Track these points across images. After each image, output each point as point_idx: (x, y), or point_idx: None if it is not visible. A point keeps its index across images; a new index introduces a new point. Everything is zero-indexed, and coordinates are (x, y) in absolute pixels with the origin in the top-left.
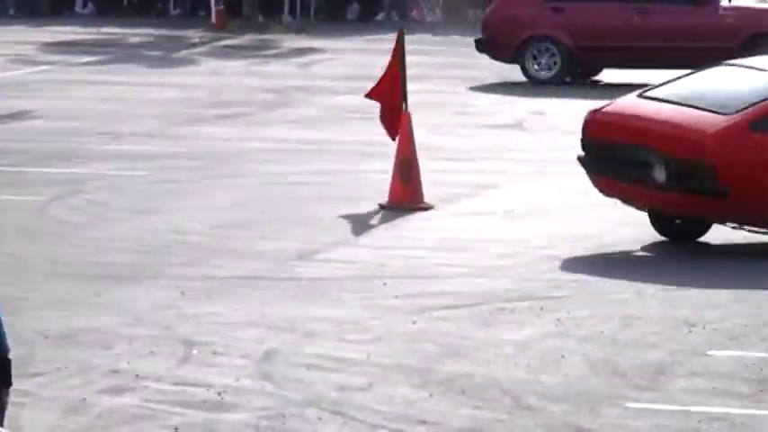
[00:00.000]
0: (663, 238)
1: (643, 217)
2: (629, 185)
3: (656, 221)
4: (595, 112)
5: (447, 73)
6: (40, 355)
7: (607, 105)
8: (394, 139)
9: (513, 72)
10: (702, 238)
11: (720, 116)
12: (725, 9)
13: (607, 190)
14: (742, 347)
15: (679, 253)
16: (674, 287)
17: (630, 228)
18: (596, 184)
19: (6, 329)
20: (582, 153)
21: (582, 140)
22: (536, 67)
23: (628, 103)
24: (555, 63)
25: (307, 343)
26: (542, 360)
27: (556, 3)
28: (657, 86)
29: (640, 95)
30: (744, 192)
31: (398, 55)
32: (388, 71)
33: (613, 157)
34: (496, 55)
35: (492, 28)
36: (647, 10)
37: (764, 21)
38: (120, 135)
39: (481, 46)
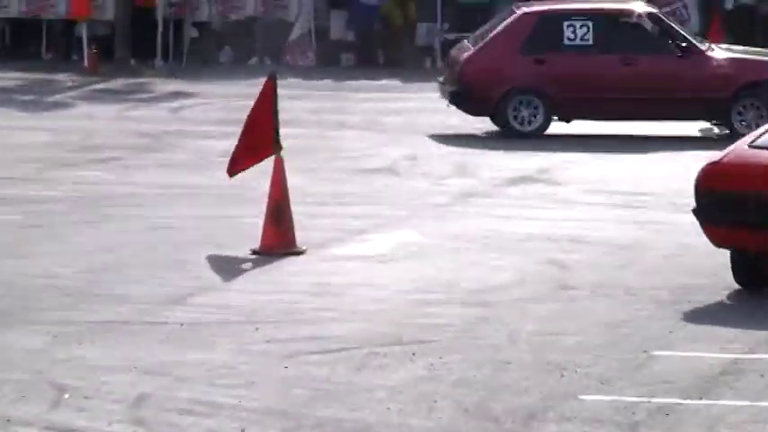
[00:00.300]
0: (539, 283)
1: (518, 261)
2: (753, 233)
3: (741, 269)
4: (714, 164)
5: (320, 117)
6: None
7: (724, 157)
8: (230, 177)
9: (383, 117)
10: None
11: None
12: (715, 58)
13: (724, 240)
14: (613, 392)
15: (554, 298)
16: (546, 332)
17: (504, 272)
18: (712, 234)
19: None
20: (696, 205)
21: (698, 192)
22: (517, 120)
23: (744, 154)
24: (535, 116)
25: (179, 387)
26: (414, 405)
27: (537, 55)
28: (762, 135)
29: (751, 145)
30: None
31: (270, 98)
32: (258, 114)
33: (736, 206)
34: (474, 109)
35: (468, 81)
36: (634, 60)
37: (758, 68)
38: None
39: (457, 99)
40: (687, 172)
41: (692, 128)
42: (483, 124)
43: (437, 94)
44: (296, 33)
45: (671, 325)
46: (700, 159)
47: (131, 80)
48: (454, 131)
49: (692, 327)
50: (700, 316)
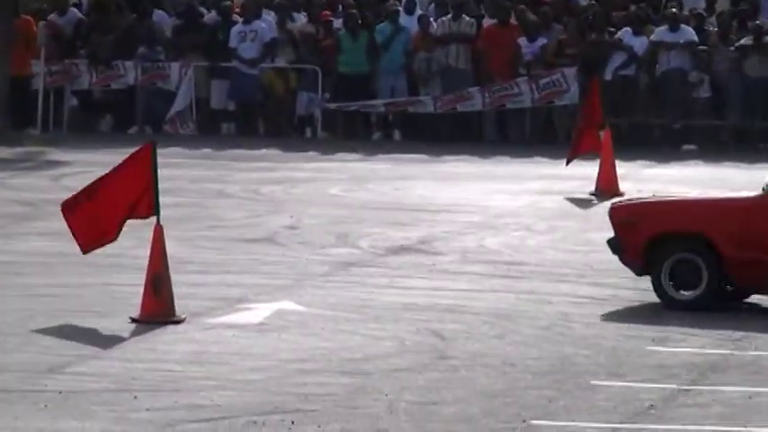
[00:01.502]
0: (418, 352)
1: (397, 330)
2: None
3: None
4: None
5: (200, 186)
6: None
7: None
8: (84, 253)
9: (264, 186)
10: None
11: None
12: None
13: None
14: None
15: (432, 368)
16: (425, 401)
17: (383, 342)
18: None
19: None
20: None
21: None
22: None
23: None
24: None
25: None
26: None
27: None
28: None
29: None
30: None
31: (149, 167)
32: (136, 184)
33: None
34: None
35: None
36: None
37: None
38: None
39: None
40: (565, 243)
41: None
42: (365, 194)
43: (315, 164)
44: (178, 104)
45: (549, 395)
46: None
47: (11, 149)
48: (334, 201)
49: (570, 397)
50: (578, 386)
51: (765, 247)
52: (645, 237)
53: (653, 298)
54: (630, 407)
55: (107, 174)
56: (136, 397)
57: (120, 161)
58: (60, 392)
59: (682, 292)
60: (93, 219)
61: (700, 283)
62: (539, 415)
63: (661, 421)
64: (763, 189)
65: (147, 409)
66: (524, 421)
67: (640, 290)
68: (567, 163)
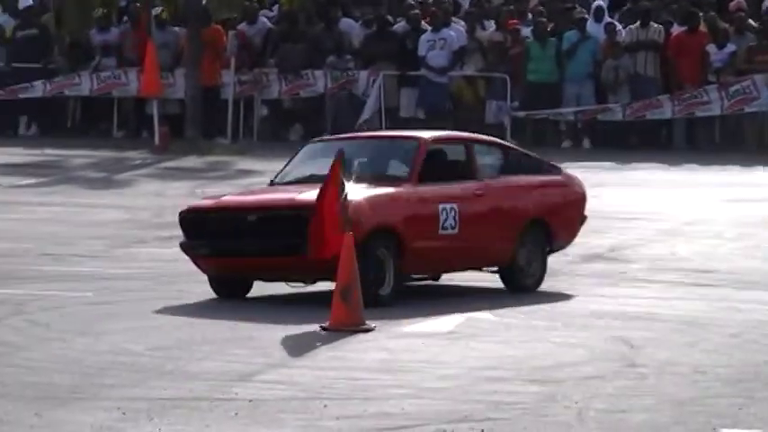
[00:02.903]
0: (607, 360)
1: (587, 338)
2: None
3: None
4: None
5: None
6: None
7: None
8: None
9: None
10: None
11: None
12: None
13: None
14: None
15: (622, 376)
16: (615, 409)
17: (573, 350)
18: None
19: None
20: None
21: None
22: None
23: None
24: None
25: None
26: None
27: None
28: None
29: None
30: None
31: (336, 176)
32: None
33: None
34: None
35: None
36: None
37: None
38: (61, 256)
39: None
40: (756, 250)
41: None
42: None
43: None
44: (367, 112)
45: (739, 402)
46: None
47: (202, 158)
48: None
49: (761, 405)
50: None
51: None
52: None
53: None
54: None
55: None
56: (325, 405)
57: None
58: (251, 401)
59: None
60: (316, 229)
61: None
62: (729, 423)
63: None
64: None
65: (337, 418)
66: (714, 429)
67: None
68: None
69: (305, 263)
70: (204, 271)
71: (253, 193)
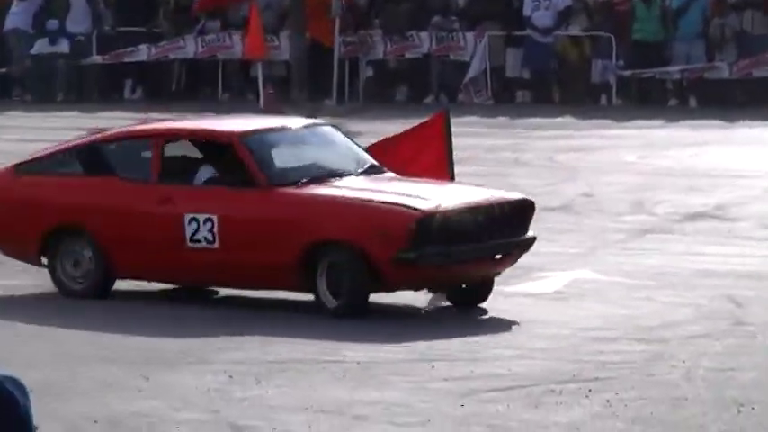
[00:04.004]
0: (715, 319)
1: (694, 297)
2: None
3: None
4: None
5: (496, 155)
6: None
7: None
8: None
9: (559, 155)
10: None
11: None
12: None
13: None
14: None
15: (730, 334)
16: (723, 368)
17: (680, 309)
18: None
19: (34, 411)
20: None
21: None
22: None
23: None
24: None
25: (356, 426)
26: None
27: None
28: None
29: None
30: None
31: (443, 136)
32: (431, 152)
33: None
34: None
35: None
36: None
37: None
38: None
39: None
40: None
41: None
42: (661, 160)
43: (611, 131)
44: (472, 72)
45: None
46: None
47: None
48: (630, 168)
49: None
50: None
51: None
52: None
53: None
54: None
55: (400, 135)
56: (433, 366)
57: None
58: (358, 363)
59: None
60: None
61: None
62: None
63: None
64: None
65: (445, 379)
66: None
67: None
68: None
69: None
70: (427, 282)
71: (448, 191)
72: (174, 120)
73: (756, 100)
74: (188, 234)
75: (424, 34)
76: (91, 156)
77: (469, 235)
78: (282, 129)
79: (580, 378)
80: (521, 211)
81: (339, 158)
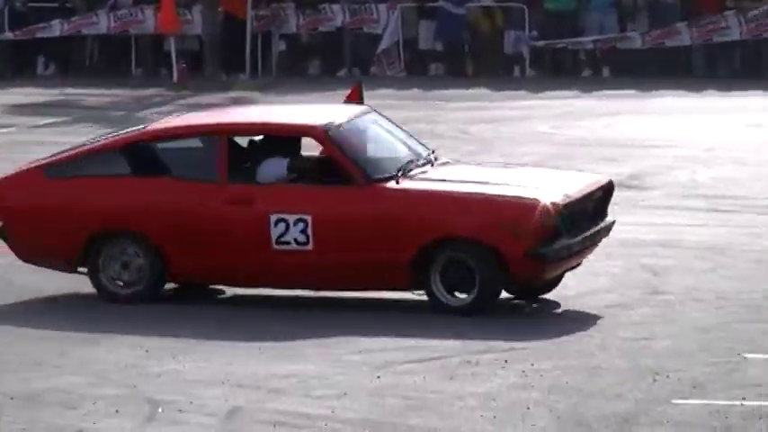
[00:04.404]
0: (631, 288)
1: (610, 267)
2: None
3: None
4: None
5: (409, 127)
6: (6, 417)
7: None
8: None
9: (472, 126)
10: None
11: None
12: None
13: None
14: (706, 396)
15: (645, 303)
16: (638, 337)
17: (596, 278)
18: None
19: None
20: None
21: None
22: None
23: None
24: None
25: (272, 399)
26: (507, 412)
27: None
28: None
29: None
30: None
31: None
32: None
33: None
34: None
35: None
36: None
37: None
38: None
39: None
40: None
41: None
42: (575, 131)
43: (524, 102)
44: (384, 44)
45: (763, 328)
46: None
47: (221, 94)
48: (544, 138)
49: None
50: None
51: None
52: None
53: None
54: None
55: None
56: (348, 340)
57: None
58: (274, 337)
59: None
60: None
61: None
62: (753, 348)
63: None
64: None
65: (360, 352)
66: (738, 355)
67: None
68: None
69: None
70: (547, 276)
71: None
72: (220, 111)
73: (668, 69)
74: (274, 235)
75: (336, 7)
76: (140, 155)
77: (582, 224)
78: (352, 119)
79: (496, 349)
80: (606, 194)
81: (403, 146)
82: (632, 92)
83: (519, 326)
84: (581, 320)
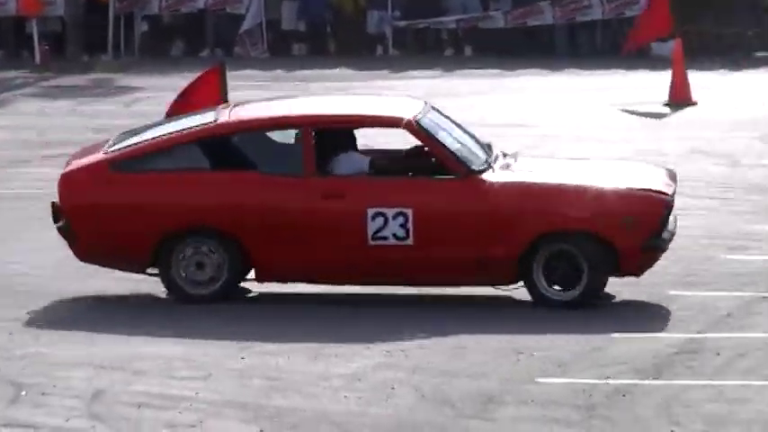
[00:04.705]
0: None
1: None
2: None
3: None
4: None
5: None
6: None
7: None
8: None
9: None
10: None
11: None
12: None
13: None
14: (570, 374)
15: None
16: (502, 317)
17: None
18: None
19: None
20: None
21: None
22: None
23: None
24: None
25: (136, 381)
26: (372, 392)
27: None
28: None
29: None
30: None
31: (219, 90)
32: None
33: None
34: None
35: None
36: None
37: None
38: None
39: None
40: (639, 154)
41: None
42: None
43: (387, 82)
44: (247, 24)
45: (627, 308)
46: None
47: (84, 75)
48: None
49: (647, 310)
50: (655, 299)
51: None
52: None
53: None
54: (708, 317)
55: (183, 93)
56: (215, 322)
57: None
58: (135, 319)
59: None
60: None
61: None
62: (617, 328)
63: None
64: None
65: (225, 334)
66: (602, 334)
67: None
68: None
69: None
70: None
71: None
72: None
73: (532, 49)
74: (371, 230)
75: None
76: (218, 148)
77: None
78: (426, 112)
79: (360, 330)
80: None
81: (471, 139)
82: (495, 71)
83: (381, 306)
84: (444, 299)
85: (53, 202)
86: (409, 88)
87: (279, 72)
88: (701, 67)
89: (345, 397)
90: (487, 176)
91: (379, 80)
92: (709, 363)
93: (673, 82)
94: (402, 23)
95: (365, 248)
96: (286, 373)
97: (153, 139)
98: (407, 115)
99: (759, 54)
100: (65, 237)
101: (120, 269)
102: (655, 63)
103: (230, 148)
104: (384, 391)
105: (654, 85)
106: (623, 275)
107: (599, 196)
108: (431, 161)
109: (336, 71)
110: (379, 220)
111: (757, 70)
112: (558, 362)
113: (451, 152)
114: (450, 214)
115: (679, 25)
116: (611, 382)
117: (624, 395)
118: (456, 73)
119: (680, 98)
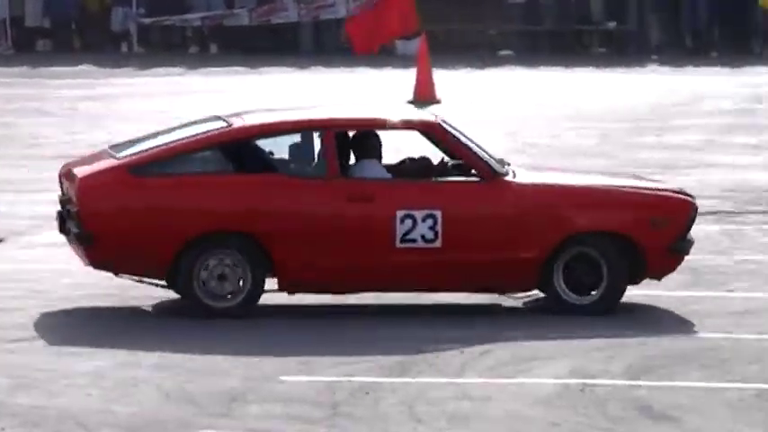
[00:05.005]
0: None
1: None
2: None
3: None
4: None
5: (17, 105)
6: None
7: None
8: None
9: (81, 103)
10: None
11: None
12: None
13: None
14: (314, 372)
15: None
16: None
17: None
18: None
19: None
20: None
21: None
22: None
23: None
24: None
25: None
26: (115, 390)
27: None
28: None
29: None
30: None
31: None
32: None
33: None
34: None
35: None
36: None
37: None
38: None
39: None
40: None
41: None
42: (184, 107)
43: (132, 79)
44: None
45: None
46: None
47: None
48: (153, 117)
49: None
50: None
51: None
52: None
53: None
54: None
55: None
56: None
57: None
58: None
59: None
60: None
61: None
62: (359, 327)
63: None
64: None
65: None
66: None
67: None
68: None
69: None
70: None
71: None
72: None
73: (278, 46)
74: (399, 233)
75: None
76: (240, 152)
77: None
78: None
79: (104, 326)
80: None
81: (479, 146)
82: (240, 68)
83: (128, 301)
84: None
85: (61, 209)
86: (152, 86)
87: (24, 69)
88: (446, 66)
89: (88, 395)
90: (511, 179)
91: (123, 77)
92: (453, 361)
93: (417, 80)
94: (147, 20)
95: (393, 252)
96: (29, 369)
97: (171, 143)
98: (434, 119)
99: (502, 53)
100: (78, 240)
101: (140, 276)
102: (402, 61)
103: (253, 152)
104: (127, 388)
105: (399, 83)
106: (642, 279)
107: (628, 197)
108: (446, 167)
109: (80, 68)
110: (408, 222)
111: (501, 68)
112: (300, 360)
113: (478, 155)
114: (478, 216)
115: (425, 24)
116: (354, 379)
117: (368, 393)
118: (199, 70)
119: (424, 96)
